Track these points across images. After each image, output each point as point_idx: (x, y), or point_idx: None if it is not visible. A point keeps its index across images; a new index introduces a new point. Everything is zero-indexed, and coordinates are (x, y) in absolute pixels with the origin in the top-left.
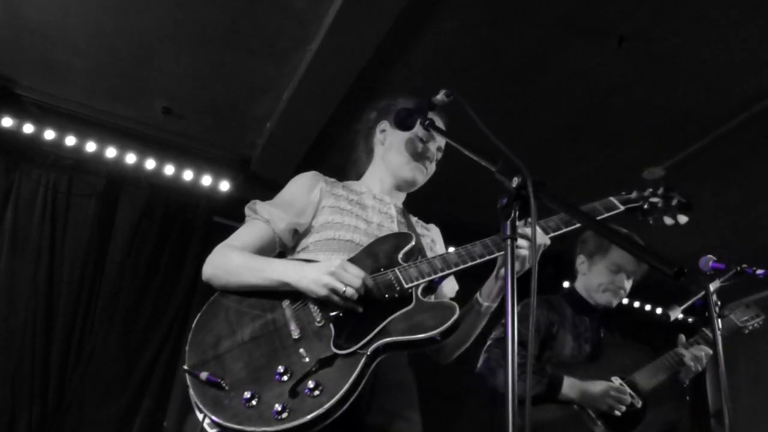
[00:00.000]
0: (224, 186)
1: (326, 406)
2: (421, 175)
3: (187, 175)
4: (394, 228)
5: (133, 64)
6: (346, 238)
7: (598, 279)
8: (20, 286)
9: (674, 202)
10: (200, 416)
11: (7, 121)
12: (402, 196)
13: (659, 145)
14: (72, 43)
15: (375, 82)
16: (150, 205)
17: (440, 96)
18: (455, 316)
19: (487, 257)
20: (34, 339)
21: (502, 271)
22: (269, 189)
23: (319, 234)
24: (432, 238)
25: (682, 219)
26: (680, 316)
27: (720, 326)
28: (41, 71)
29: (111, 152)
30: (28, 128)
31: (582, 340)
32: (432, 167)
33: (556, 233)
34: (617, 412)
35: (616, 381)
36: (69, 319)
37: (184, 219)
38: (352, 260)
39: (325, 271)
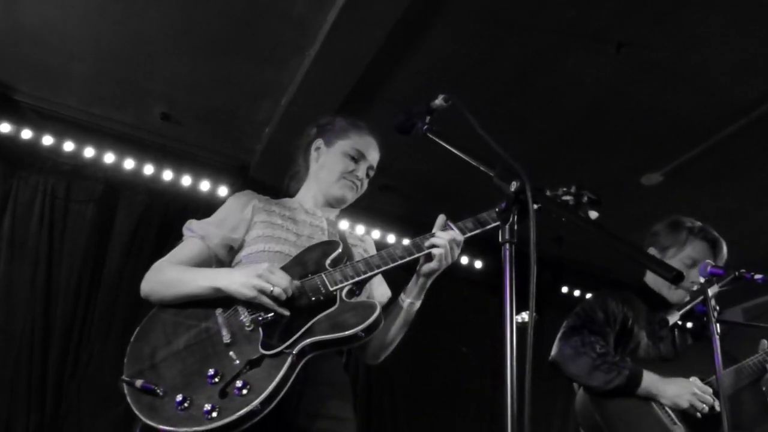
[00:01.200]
0: (223, 192)
1: (254, 403)
2: (351, 192)
3: (186, 180)
4: (324, 239)
5: (131, 70)
6: (276, 249)
7: None
8: (18, 292)
9: (584, 199)
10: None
11: (6, 127)
12: (335, 211)
13: (657, 151)
14: (70, 48)
15: (373, 88)
16: (148, 210)
17: (438, 101)
18: (375, 314)
19: (408, 258)
20: (31, 346)
21: (423, 269)
22: (268, 195)
23: (250, 248)
24: (365, 248)
25: (593, 214)
26: (678, 320)
27: (718, 331)
28: (39, 77)
29: (109, 158)
30: (26, 134)
31: (656, 338)
32: (364, 185)
33: (473, 233)
34: (698, 414)
35: (696, 381)
36: (67, 325)
37: (183, 224)
38: (282, 269)
39: (252, 273)
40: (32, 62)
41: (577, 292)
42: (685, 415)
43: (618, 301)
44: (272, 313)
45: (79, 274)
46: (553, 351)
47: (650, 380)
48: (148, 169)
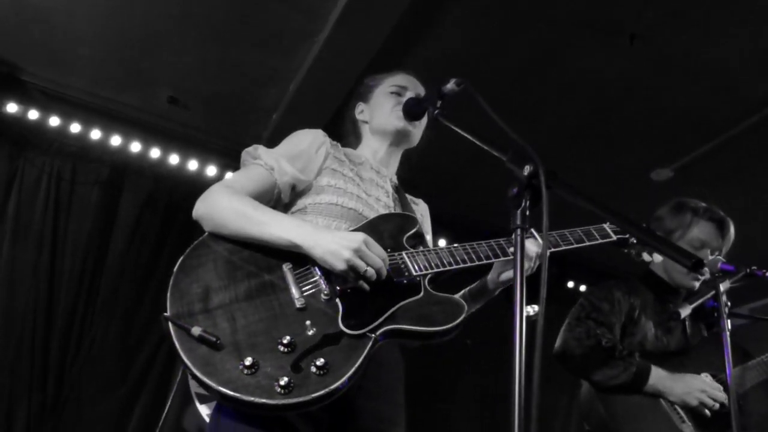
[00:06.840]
0: (229, 177)
1: (331, 387)
2: (411, 124)
3: (192, 165)
4: (390, 203)
5: (139, 53)
6: (349, 206)
7: None
8: (21, 275)
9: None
10: (199, 407)
11: (12, 107)
12: (396, 164)
13: (668, 146)
14: (79, 30)
15: None
16: (154, 194)
17: (450, 85)
18: (464, 314)
19: (491, 261)
20: (33, 329)
21: (503, 276)
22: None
23: (319, 196)
24: (421, 213)
25: (657, 258)
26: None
27: (729, 327)
28: (47, 58)
29: (116, 140)
30: (33, 114)
31: (665, 328)
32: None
33: (556, 249)
34: (707, 412)
35: (707, 378)
36: (69, 310)
37: (188, 209)
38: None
39: (346, 245)
40: (40, 43)
41: (582, 287)
42: (695, 412)
43: (624, 291)
44: (352, 284)
45: (83, 257)
46: (557, 343)
47: (658, 377)
48: (155, 153)
